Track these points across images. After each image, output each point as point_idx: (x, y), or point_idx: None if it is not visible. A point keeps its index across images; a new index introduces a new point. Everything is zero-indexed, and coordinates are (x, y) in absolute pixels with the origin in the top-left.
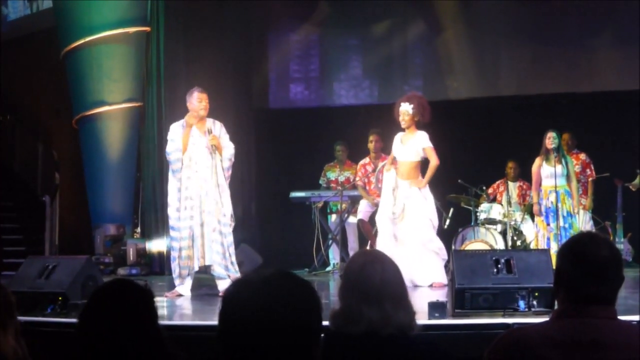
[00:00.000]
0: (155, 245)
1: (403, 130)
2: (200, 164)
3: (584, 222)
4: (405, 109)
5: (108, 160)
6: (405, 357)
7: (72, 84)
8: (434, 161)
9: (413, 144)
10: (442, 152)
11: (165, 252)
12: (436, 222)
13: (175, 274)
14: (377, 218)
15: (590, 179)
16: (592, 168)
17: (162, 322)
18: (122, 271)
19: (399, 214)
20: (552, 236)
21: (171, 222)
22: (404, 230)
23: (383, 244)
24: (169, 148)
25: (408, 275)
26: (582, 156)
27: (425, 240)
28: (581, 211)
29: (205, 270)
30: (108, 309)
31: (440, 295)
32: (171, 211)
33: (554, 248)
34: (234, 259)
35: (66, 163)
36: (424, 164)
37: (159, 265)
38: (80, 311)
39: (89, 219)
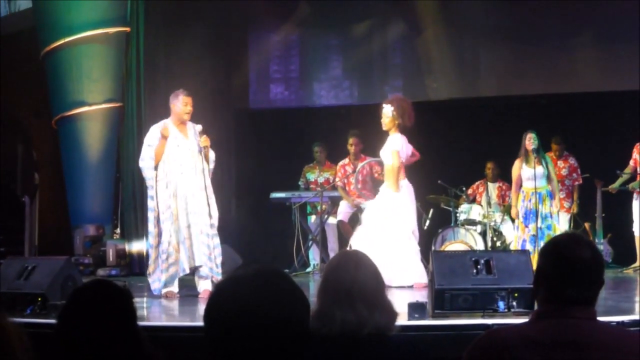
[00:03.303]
0: (135, 246)
1: (388, 133)
2: (185, 165)
3: (566, 224)
4: (385, 111)
5: (88, 160)
6: (382, 358)
7: (52, 84)
8: (393, 162)
9: (387, 147)
10: (421, 153)
11: (145, 253)
12: (414, 224)
13: (162, 275)
14: (364, 218)
15: (576, 184)
16: (579, 173)
17: (141, 323)
18: (101, 272)
19: (383, 216)
20: (528, 238)
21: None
22: (386, 231)
23: (362, 243)
24: (145, 155)
25: (389, 275)
26: (571, 160)
27: (405, 241)
28: (562, 213)
29: (194, 271)
30: (87, 310)
31: (421, 296)
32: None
33: (530, 249)
34: (219, 261)
35: (46, 163)
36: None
37: (139, 266)
38: (59, 312)
39: (68, 219)
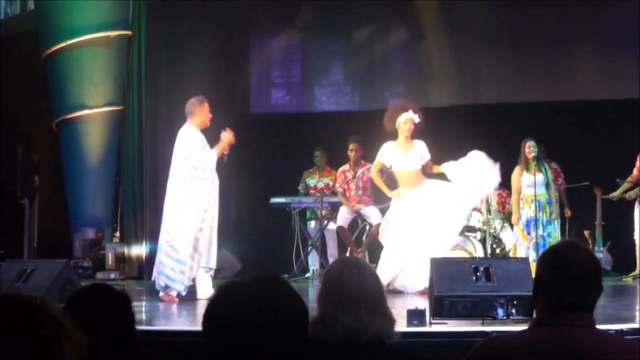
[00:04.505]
0: (134, 250)
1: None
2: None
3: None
4: (411, 117)
5: (88, 163)
6: None
7: (53, 87)
8: (437, 169)
9: (415, 154)
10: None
11: (144, 256)
12: None
13: (183, 280)
14: (397, 228)
15: (563, 188)
16: (563, 177)
17: (140, 327)
18: (100, 275)
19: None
20: (532, 245)
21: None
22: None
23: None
24: (207, 157)
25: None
26: (554, 165)
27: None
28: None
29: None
30: (85, 314)
31: (420, 303)
32: (184, 219)
33: (532, 257)
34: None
35: (46, 166)
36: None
37: (138, 269)
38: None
39: (68, 222)
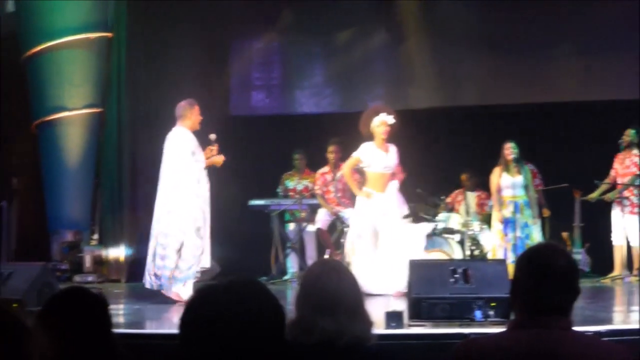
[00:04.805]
0: (113, 253)
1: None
2: (202, 173)
3: (539, 231)
4: (386, 120)
5: (67, 166)
6: None
7: (33, 89)
8: (401, 177)
9: (392, 157)
10: (402, 161)
11: (122, 259)
12: None
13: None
14: (360, 228)
15: (539, 188)
16: (540, 177)
17: (117, 330)
18: (78, 278)
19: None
20: (510, 247)
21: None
22: (389, 239)
23: (365, 252)
24: (196, 163)
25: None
26: (530, 166)
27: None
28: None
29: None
30: (62, 317)
31: (398, 305)
32: (180, 221)
33: (511, 258)
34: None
35: (25, 168)
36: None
37: (116, 272)
38: (34, 318)
39: (46, 224)
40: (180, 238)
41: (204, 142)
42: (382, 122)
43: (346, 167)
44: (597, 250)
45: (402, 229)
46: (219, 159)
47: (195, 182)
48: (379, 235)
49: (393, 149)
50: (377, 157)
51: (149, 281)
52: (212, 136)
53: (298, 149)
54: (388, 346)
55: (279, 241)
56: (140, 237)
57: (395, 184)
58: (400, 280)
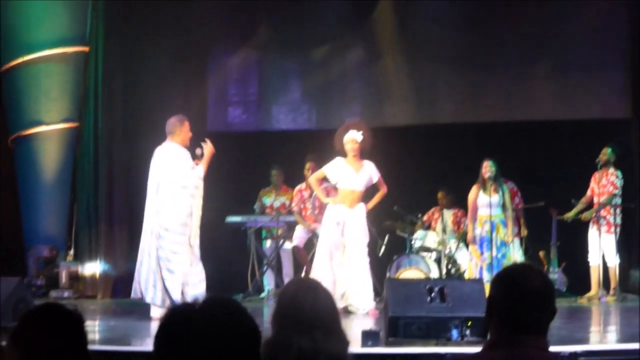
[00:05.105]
0: (88, 268)
1: (341, 155)
2: (199, 188)
3: (518, 250)
4: (354, 137)
5: (43, 180)
6: None
7: (9, 103)
8: (384, 190)
9: (365, 175)
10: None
11: (98, 275)
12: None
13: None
14: (320, 246)
15: (519, 207)
16: (520, 196)
17: (92, 347)
18: (54, 294)
19: (347, 242)
20: (485, 265)
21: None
22: (350, 255)
23: (324, 269)
24: (196, 175)
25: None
26: (510, 185)
27: (364, 266)
28: (515, 240)
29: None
30: (37, 334)
31: (374, 324)
32: (179, 236)
33: (486, 277)
34: None
35: (0, 183)
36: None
37: (92, 288)
38: (9, 335)
39: (22, 239)
40: (187, 256)
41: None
42: (350, 139)
43: (312, 177)
44: (574, 269)
45: (363, 247)
46: (208, 149)
47: (200, 198)
48: (344, 249)
49: (368, 166)
50: (346, 173)
51: (151, 296)
52: (199, 151)
53: (275, 166)
54: None
55: (255, 258)
56: (116, 253)
57: (362, 207)
58: (364, 296)
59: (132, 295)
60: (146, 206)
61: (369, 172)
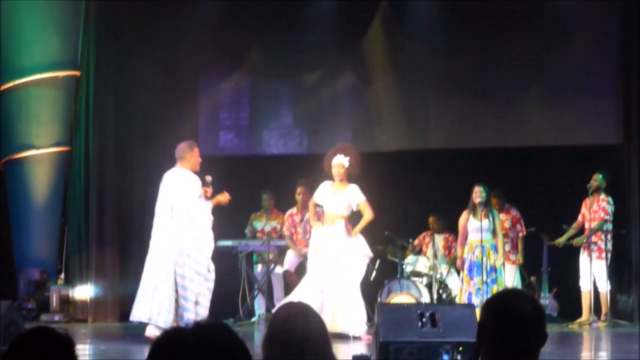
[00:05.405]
0: (79, 292)
1: (330, 179)
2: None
3: (512, 277)
4: (341, 162)
5: (34, 204)
6: None
7: (0, 126)
8: (368, 215)
9: (345, 198)
10: (369, 204)
11: (89, 299)
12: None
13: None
14: (308, 269)
15: (520, 235)
16: (522, 224)
17: None
18: (44, 317)
19: (334, 266)
20: (474, 290)
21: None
22: (339, 280)
23: (310, 292)
24: (204, 208)
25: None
26: (513, 212)
27: (355, 291)
28: (508, 265)
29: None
30: (28, 357)
31: (365, 349)
32: (195, 263)
33: (476, 302)
34: None
35: None
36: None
37: (82, 312)
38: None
39: (13, 263)
40: (202, 283)
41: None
42: (336, 163)
43: (310, 201)
44: (565, 295)
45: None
46: (225, 198)
47: (209, 222)
48: (331, 271)
49: (350, 190)
50: (329, 197)
51: (164, 320)
52: (208, 178)
53: (266, 190)
54: None
55: (246, 282)
56: (107, 277)
57: (340, 223)
58: (354, 320)
59: (133, 318)
60: (157, 231)
61: (350, 195)
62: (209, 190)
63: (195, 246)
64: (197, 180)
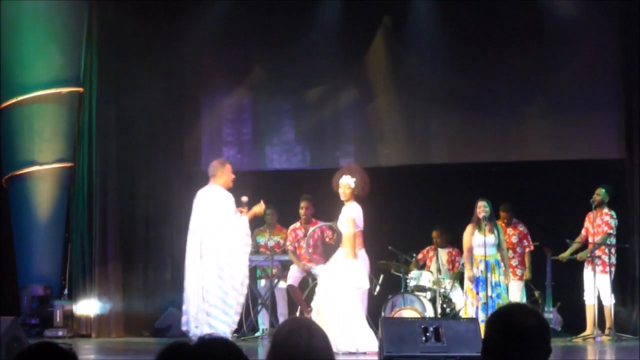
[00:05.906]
0: (83, 307)
1: (338, 198)
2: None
3: (519, 292)
4: (347, 182)
5: (37, 220)
6: None
7: (3, 142)
8: (349, 230)
9: (343, 215)
10: (372, 219)
11: (92, 314)
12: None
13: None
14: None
15: (527, 250)
16: (530, 239)
17: None
18: (48, 333)
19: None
20: (481, 305)
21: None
22: (340, 297)
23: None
24: (241, 223)
25: (340, 340)
26: (521, 227)
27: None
28: (515, 281)
29: None
30: None
31: None
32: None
33: (481, 317)
34: None
35: None
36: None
37: (86, 327)
38: None
39: (16, 278)
40: (238, 298)
41: (167, 198)
42: (342, 184)
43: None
44: (569, 309)
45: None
46: (260, 208)
47: (246, 236)
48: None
49: (347, 207)
50: (339, 217)
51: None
52: (244, 198)
53: (269, 205)
54: None
55: (249, 297)
56: (110, 292)
57: (340, 253)
58: (367, 339)
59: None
60: (193, 248)
61: (345, 212)
62: (244, 210)
63: (229, 261)
64: (229, 197)
